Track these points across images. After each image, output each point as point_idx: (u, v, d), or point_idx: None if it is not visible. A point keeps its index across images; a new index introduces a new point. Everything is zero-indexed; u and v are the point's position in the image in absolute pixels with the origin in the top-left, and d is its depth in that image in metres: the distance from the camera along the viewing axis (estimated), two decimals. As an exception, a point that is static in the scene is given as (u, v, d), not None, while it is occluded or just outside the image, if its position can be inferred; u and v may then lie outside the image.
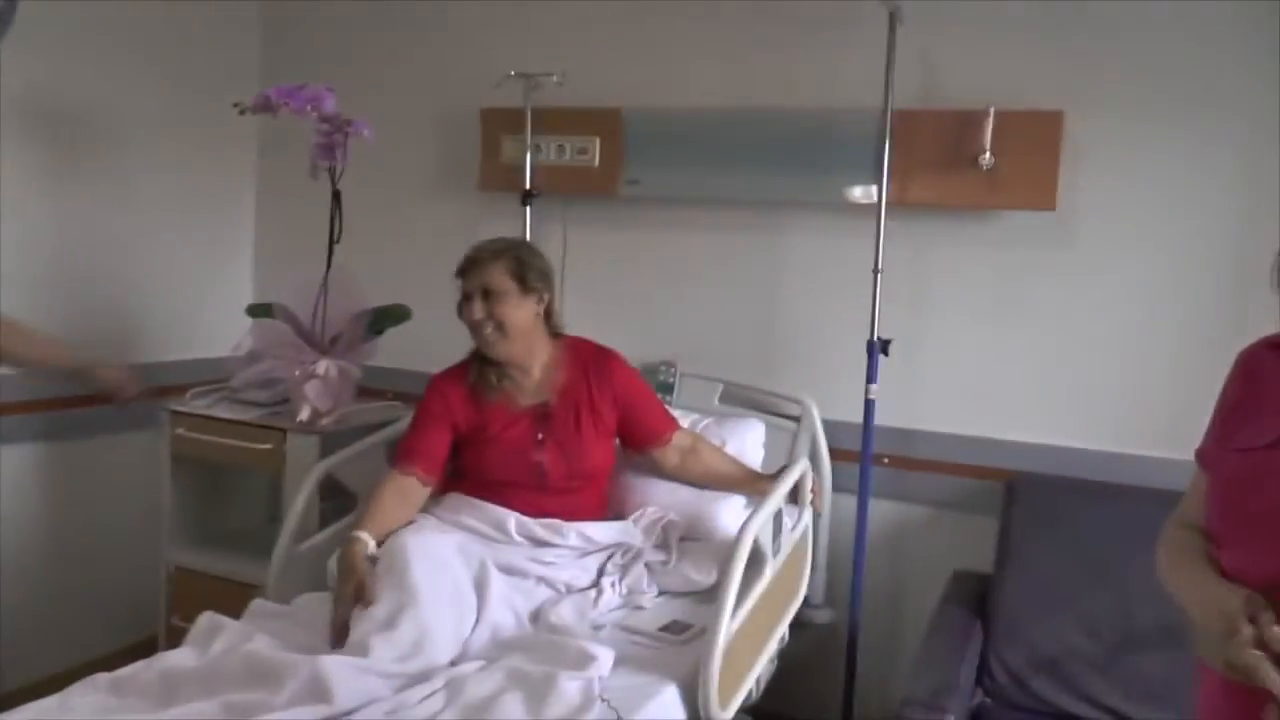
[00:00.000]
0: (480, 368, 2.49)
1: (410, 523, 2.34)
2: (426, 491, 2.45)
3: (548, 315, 2.51)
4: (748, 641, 2.14)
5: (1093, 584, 2.49)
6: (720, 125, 3.00)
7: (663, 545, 2.48)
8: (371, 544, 2.25)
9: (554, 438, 2.45)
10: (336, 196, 2.86)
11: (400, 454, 2.47)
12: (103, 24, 3.17)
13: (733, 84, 3.05)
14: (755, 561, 2.15)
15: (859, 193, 2.86)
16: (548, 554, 2.36)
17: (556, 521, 2.39)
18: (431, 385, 2.53)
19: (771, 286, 3.06)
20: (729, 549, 2.08)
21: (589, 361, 2.54)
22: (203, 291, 2.79)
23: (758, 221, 3.06)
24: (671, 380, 3.03)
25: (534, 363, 2.49)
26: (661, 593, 2.41)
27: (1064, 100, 2.67)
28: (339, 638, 2.05)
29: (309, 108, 2.70)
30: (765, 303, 3.07)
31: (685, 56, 3.11)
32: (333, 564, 2.43)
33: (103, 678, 1.92)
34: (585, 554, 2.40)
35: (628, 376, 2.58)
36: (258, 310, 2.96)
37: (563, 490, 2.45)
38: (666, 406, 2.69)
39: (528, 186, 3.14)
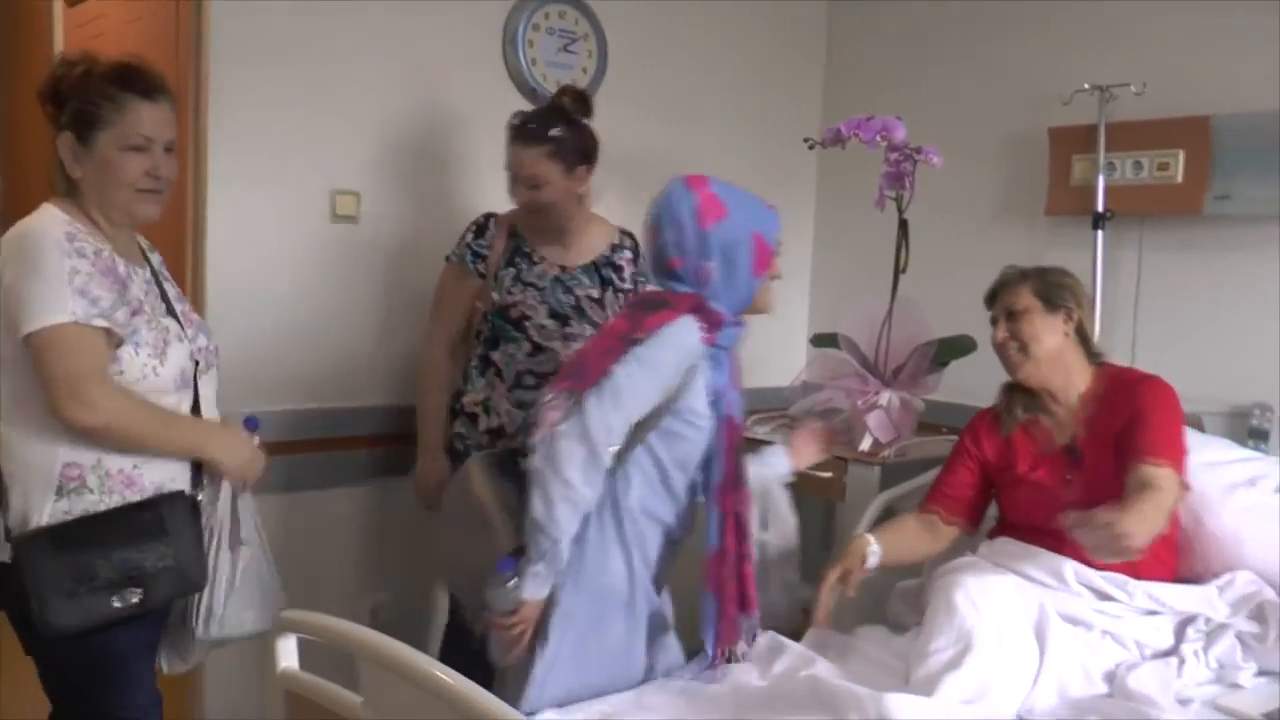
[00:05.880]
0: (1008, 399, 2.38)
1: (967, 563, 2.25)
2: (951, 531, 2.39)
3: (1083, 340, 2.32)
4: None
5: None
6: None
7: (1256, 617, 2.19)
8: (876, 552, 2.24)
9: (1084, 479, 2.24)
10: (903, 226, 2.84)
11: (928, 492, 2.44)
12: (685, 76, 3.44)
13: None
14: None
15: None
16: (1112, 607, 2.17)
17: (1122, 577, 2.18)
18: (969, 422, 2.47)
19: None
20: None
21: (1123, 390, 2.27)
22: (763, 321, 2.92)
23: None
24: (1266, 426, 2.70)
25: (1069, 394, 2.31)
26: (1261, 672, 2.12)
27: None
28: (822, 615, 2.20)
29: (878, 138, 2.73)
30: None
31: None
32: (894, 600, 2.44)
33: (675, 683, 2.03)
34: (1153, 614, 2.19)
35: (1154, 394, 2.23)
36: (822, 340, 3.03)
37: None
38: (1183, 440, 2.19)
39: (1100, 208, 2.93)
